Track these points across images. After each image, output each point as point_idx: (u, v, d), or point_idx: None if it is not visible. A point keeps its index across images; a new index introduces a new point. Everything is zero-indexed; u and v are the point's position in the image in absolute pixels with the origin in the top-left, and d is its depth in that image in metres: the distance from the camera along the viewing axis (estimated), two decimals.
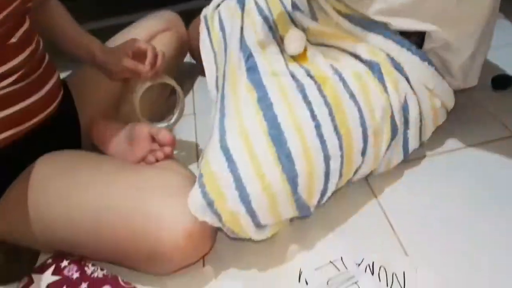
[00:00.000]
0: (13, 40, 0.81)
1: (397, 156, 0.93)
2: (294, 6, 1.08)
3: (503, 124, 1.03)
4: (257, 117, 0.79)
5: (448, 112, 0.98)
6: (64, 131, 0.96)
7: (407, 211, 0.87)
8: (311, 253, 0.83)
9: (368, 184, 0.94)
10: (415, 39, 0.90)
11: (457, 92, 0.98)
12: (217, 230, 0.81)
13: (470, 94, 1.09)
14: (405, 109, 0.89)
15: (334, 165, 0.79)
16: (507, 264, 0.76)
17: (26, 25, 0.85)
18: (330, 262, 0.80)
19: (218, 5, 1.24)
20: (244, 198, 0.74)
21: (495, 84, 1.13)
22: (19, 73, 0.82)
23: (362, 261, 0.79)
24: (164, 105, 1.17)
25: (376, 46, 0.90)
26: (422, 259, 0.78)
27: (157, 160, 0.90)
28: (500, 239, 0.80)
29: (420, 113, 0.91)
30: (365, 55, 0.89)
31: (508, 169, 0.92)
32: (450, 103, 0.96)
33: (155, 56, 0.96)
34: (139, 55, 0.96)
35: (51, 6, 0.99)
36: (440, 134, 1.00)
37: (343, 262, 0.79)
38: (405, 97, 0.88)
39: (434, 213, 0.86)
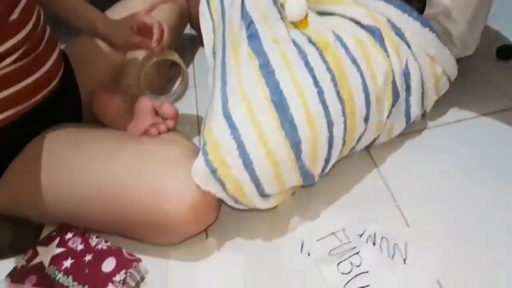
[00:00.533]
0: (14, 16, 0.79)
1: (399, 123, 0.92)
2: None
3: (507, 95, 1.02)
4: (259, 84, 0.78)
5: (452, 82, 0.97)
6: (66, 104, 0.95)
7: (409, 182, 0.87)
8: (313, 224, 0.83)
9: (370, 155, 0.94)
10: (417, 5, 0.89)
11: (461, 63, 0.97)
12: (221, 201, 0.82)
13: (474, 64, 1.08)
14: (406, 74, 0.88)
15: (337, 131, 0.79)
16: (510, 233, 0.76)
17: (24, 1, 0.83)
18: (332, 233, 0.80)
19: None
20: (248, 165, 0.74)
21: (499, 54, 1.12)
22: (21, 50, 0.81)
23: (363, 232, 0.80)
24: (166, 76, 1.16)
25: (377, 11, 0.90)
26: (423, 229, 0.79)
27: (159, 133, 0.90)
28: (504, 209, 0.80)
29: (422, 80, 0.91)
30: (366, 21, 0.89)
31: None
32: (452, 72, 0.95)
33: (161, 31, 0.95)
34: (144, 29, 0.95)
35: None
36: (443, 104, 1.00)
37: (344, 233, 0.80)
38: (406, 62, 0.88)
39: (436, 184, 0.86)
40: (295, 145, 0.75)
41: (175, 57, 1.00)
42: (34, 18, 0.84)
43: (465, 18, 0.90)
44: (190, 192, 0.75)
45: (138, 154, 0.81)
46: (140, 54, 1.03)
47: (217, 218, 0.83)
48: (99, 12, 0.98)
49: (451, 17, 0.89)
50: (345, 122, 0.80)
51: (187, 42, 1.37)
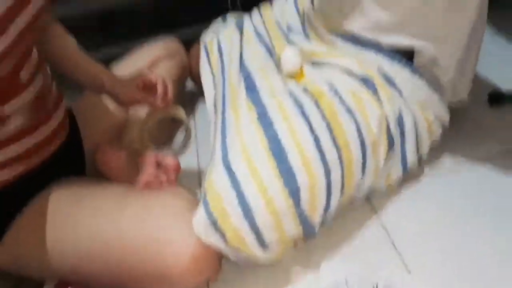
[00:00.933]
0: (23, 74, 0.81)
1: (396, 169, 0.94)
2: (289, 28, 1.11)
3: (499, 141, 1.03)
4: (257, 135, 0.81)
5: (445, 129, 0.99)
6: (70, 160, 0.97)
7: (409, 229, 0.88)
8: (315, 275, 0.83)
9: (371, 204, 0.95)
10: (405, 55, 0.92)
11: (454, 109, 0.99)
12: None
13: (466, 110, 1.10)
14: (400, 121, 0.91)
15: (335, 177, 0.80)
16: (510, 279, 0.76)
17: (34, 57, 0.85)
18: (335, 284, 0.80)
19: (217, 30, 1.26)
20: (247, 214, 0.75)
21: (491, 100, 1.14)
22: (29, 107, 0.82)
23: (366, 282, 0.79)
24: (168, 130, 1.19)
25: (368, 61, 0.93)
26: (425, 278, 0.79)
27: (161, 185, 0.91)
28: (503, 256, 0.80)
29: (415, 126, 0.93)
30: (357, 70, 0.92)
31: (507, 185, 0.93)
32: (444, 117, 0.98)
33: (166, 88, 0.98)
34: (149, 86, 0.98)
35: (57, 34, 0.98)
36: (439, 151, 1.01)
37: (347, 285, 0.80)
38: (399, 109, 0.91)
39: (435, 230, 0.87)
40: (294, 193, 0.76)
41: (178, 112, 1.03)
42: (42, 76, 0.86)
43: (452, 65, 0.93)
44: (191, 244, 0.76)
45: (141, 208, 0.82)
46: (143, 109, 1.06)
47: (219, 271, 0.83)
48: (105, 69, 1.01)
49: (439, 65, 0.92)
50: (342, 168, 0.82)
51: (188, 95, 1.40)
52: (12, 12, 0.70)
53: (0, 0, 0.68)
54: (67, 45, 0.99)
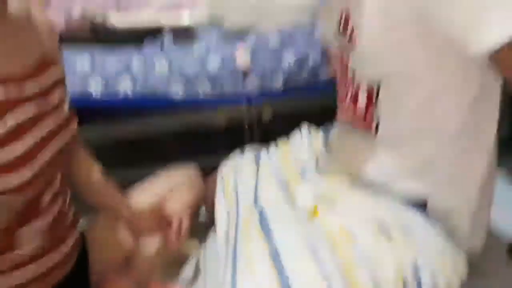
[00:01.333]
0: (44, 200, 0.82)
1: None
2: (304, 167, 1.14)
3: None
4: (270, 273, 0.79)
5: (463, 282, 0.95)
6: (76, 284, 0.94)
7: None
8: None
9: None
10: (419, 202, 0.93)
11: (473, 261, 0.96)
12: None
13: (486, 263, 1.06)
14: (415, 270, 0.87)
15: None
16: None
17: (57, 181, 0.86)
18: None
19: (235, 163, 1.30)
20: None
21: (511, 252, 1.11)
22: (44, 230, 0.82)
23: None
24: (177, 260, 1.16)
25: (381, 205, 0.93)
26: None
27: None
28: None
29: (433, 276, 0.89)
30: (371, 214, 0.92)
31: None
32: (462, 269, 0.94)
33: (181, 224, 0.98)
34: (165, 219, 0.99)
35: (82, 160, 1.01)
36: None
37: None
38: (415, 257, 0.88)
39: None
40: None
41: (190, 245, 1.02)
42: (61, 199, 0.88)
43: (466, 214, 0.93)
44: None
45: None
46: (154, 240, 1.05)
47: None
48: (125, 200, 1.02)
49: (453, 212, 0.92)
50: None
51: (199, 224, 1.39)
52: (42, 144, 0.73)
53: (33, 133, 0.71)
54: (91, 171, 1.02)
